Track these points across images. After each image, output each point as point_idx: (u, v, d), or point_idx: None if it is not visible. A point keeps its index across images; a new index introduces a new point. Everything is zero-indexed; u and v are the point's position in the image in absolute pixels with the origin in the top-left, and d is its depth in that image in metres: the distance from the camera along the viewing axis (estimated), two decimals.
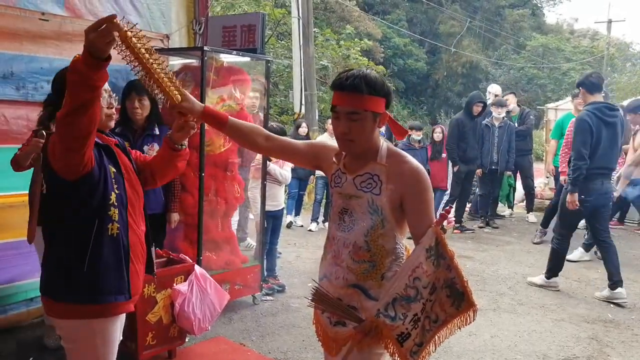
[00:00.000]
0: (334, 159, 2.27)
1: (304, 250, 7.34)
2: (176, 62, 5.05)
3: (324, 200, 8.98)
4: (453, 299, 2.02)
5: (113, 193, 2.31)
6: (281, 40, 17.56)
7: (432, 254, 1.97)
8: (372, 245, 2.12)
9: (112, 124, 2.49)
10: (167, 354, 3.85)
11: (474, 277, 6.22)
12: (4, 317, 4.11)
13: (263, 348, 4.21)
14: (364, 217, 2.13)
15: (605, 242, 5.57)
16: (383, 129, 6.90)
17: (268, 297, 5.27)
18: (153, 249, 3.65)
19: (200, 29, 5.21)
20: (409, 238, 2.17)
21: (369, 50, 22.12)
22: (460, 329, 2.09)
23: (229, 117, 2.30)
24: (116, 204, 2.32)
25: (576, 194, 5.39)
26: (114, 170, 2.35)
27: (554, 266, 5.84)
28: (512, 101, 9.41)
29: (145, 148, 4.09)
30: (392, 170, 2.11)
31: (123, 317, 2.42)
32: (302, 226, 8.91)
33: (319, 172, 8.72)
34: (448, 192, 8.83)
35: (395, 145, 8.38)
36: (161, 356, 3.82)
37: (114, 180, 2.33)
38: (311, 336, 4.41)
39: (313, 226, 8.80)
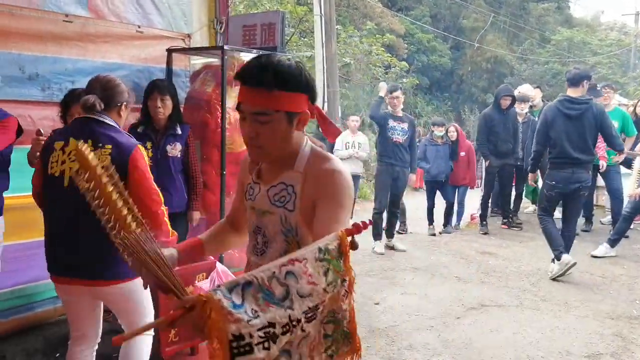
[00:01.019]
0: (248, 168, 1.90)
1: None
2: (197, 61, 5.11)
3: None
4: (330, 342, 1.48)
5: None
6: (304, 38, 17.59)
7: (326, 258, 1.41)
8: None
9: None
10: (190, 351, 3.90)
11: (496, 273, 6.19)
12: (31, 314, 4.19)
13: None
14: (276, 238, 1.75)
15: (567, 229, 5.98)
16: (400, 127, 6.89)
17: None
18: None
19: (221, 28, 5.26)
20: None
21: (392, 46, 22.06)
22: None
23: (202, 239, 1.98)
24: None
25: (531, 175, 6.44)
26: None
27: (553, 243, 5.96)
28: (537, 95, 9.30)
29: (169, 148, 4.15)
30: (309, 177, 1.70)
31: None
32: None
33: None
34: (479, 188, 8.78)
35: (419, 141, 8.44)
36: (184, 352, 3.86)
37: None
38: None
39: None
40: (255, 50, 4.89)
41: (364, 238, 7.65)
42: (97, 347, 3.04)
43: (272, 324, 1.29)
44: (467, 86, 29.38)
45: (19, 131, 3.52)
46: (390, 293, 5.48)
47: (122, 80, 2.97)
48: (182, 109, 4.44)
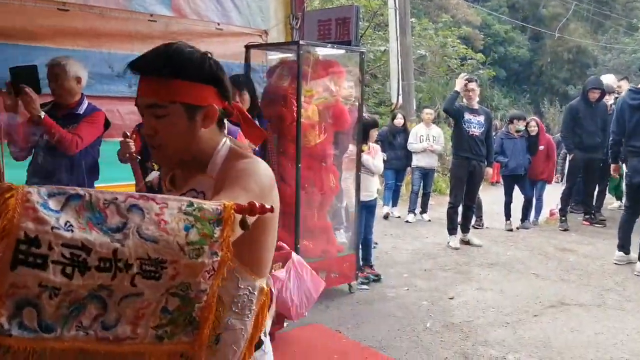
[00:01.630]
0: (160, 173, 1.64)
1: (400, 241, 7.35)
2: (274, 56, 5.22)
3: (421, 191, 8.94)
4: (167, 319, 1.11)
5: None
6: (378, 32, 17.52)
7: (194, 214, 1.09)
8: None
9: None
10: None
11: (577, 271, 6.00)
12: None
13: (358, 335, 4.28)
14: None
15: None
16: (476, 120, 6.76)
17: (364, 286, 5.34)
18: None
19: (297, 24, 5.35)
20: None
21: (468, 38, 21.65)
22: None
23: None
24: None
25: (613, 166, 6.57)
26: None
27: (619, 239, 6.24)
28: (624, 87, 8.90)
29: (246, 142, 4.26)
30: (220, 181, 1.40)
31: None
32: (399, 217, 8.93)
33: (415, 163, 8.69)
34: (560, 183, 8.51)
35: (495, 134, 8.27)
36: None
37: None
38: (406, 325, 4.46)
39: (410, 217, 8.78)
40: (330, 45, 4.94)
41: (440, 232, 7.60)
42: None
43: (86, 248, 0.98)
44: (546, 78, 28.37)
45: (107, 124, 3.73)
46: (465, 288, 5.42)
47: None
48: (260, 103, 4.55)
